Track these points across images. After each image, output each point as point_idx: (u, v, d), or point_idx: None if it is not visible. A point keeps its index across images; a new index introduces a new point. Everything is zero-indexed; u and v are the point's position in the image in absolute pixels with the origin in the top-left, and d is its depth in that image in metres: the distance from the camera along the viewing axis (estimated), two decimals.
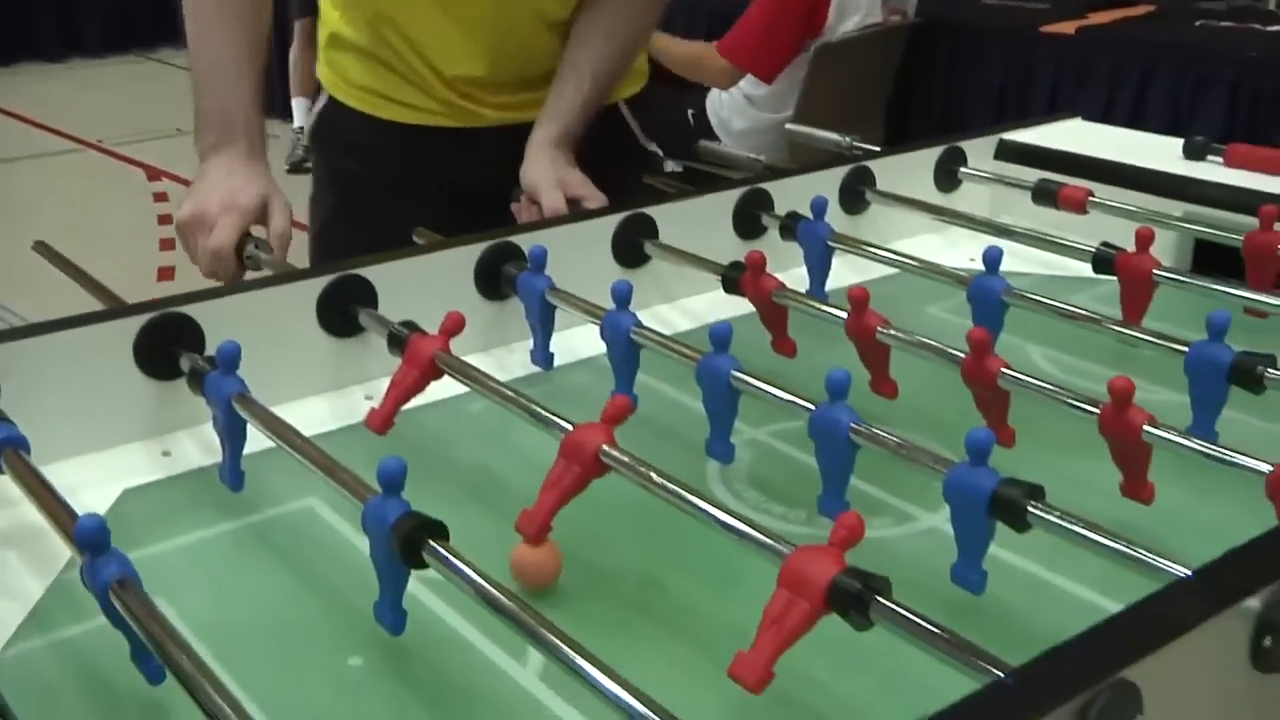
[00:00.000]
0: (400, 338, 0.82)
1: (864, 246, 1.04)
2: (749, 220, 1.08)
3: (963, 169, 1.23)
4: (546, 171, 1.10)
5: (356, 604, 0.64)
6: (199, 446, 0.83)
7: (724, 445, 0.79)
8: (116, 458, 0.81)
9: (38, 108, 5.49)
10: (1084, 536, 0.60)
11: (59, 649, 0.65)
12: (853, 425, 0.70)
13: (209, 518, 0.76)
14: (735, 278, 0.94)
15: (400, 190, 1.21)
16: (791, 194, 1.10)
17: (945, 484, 0.64)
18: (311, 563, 0.72)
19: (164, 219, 3.91)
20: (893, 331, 0.83)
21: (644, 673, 0.63)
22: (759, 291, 0.92)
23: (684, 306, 1.05)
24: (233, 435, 0.75)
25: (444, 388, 0.83)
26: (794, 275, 1.05)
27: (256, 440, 0.75)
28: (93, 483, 0.78)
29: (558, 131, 1.13)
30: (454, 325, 0.80)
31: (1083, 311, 0.88)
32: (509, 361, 0.97)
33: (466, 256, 0.95)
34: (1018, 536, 0.64)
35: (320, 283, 0.88)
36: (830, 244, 1.02)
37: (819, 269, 1.03)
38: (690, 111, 2.73)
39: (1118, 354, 0.92)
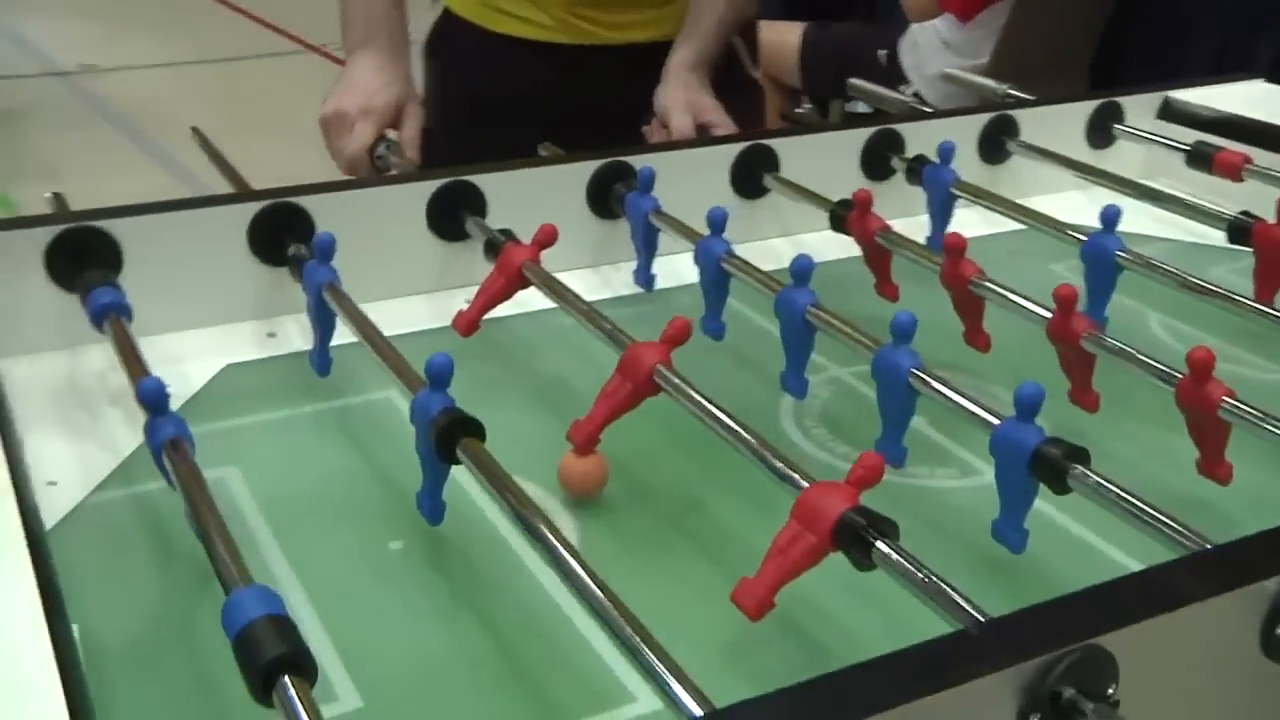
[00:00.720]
0: (495, 244, 0.84)
1: (986, 196, 1.02)
2: (877, 160, 1.07)
3: (1118, 126, 1.17)
4: (678, 95, 1.11)
5: (410, 492, 0.67)
6: (302, 331, 0.87)
7: (798, 380, 0.79)
8: (224, 334, 0.86)
9: (268, 7, 5.73)
10: (1121, 505, 0.58)
11: (135, 500, 0.69)
12: (914, 370, 0.69)
13: (296, 398, 0.80)
14: (842, 215, 0.93)
15: (508, 106, 1.23)
16: (926, 137, 1.07)
17: (991, 438, 0.63)
18: (378, 449, 0.76)
19: None
20: (986, 283, 0.81)
21: (663, 589, 0.65)
22: (863, 231, 0.90)
23: (799, 241, 1.04)
24: (322, 322, 0.79)
25: (542, 298, 0.85)
26: (920, 221, 1.04)
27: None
28: (198, 355, 0.83)
29: (693, 55, 1.13)
30: (546, 237, 0.82)
31: (1196, 279, 0.84)
32: (614, 279, 0.98)
33: (580, 173, 0.96)
34: (1073, 499, 0.62)
35: (432, 186, 0.91)
36: (953, 191, 1.00)
37: (940, 216, 1.01)
38: (882, 52, 2.67)
39: (1243, 329, 0.88)
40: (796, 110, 3.09)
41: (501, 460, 0.61)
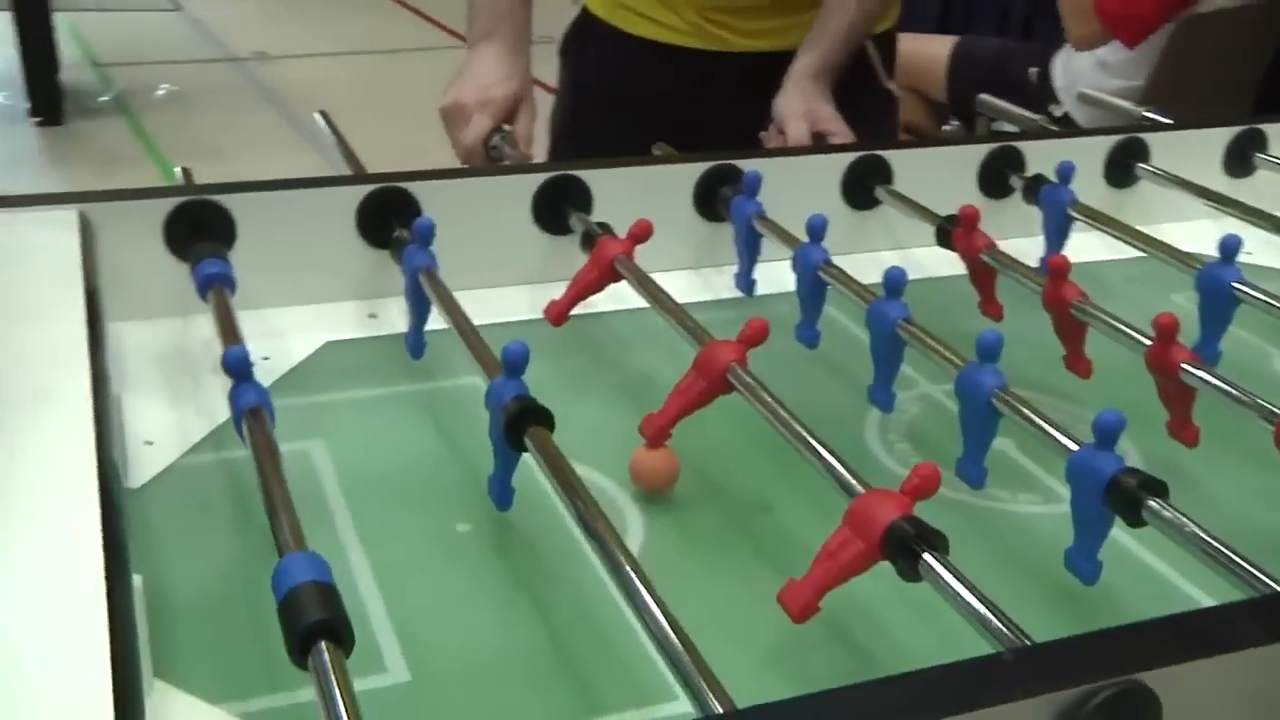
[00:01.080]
0: (591, 235, 0.85)
1: (1107, 221, 0.98)
2: (995, 177, 1.04)
3: (1259, 155, 1.13)
4: (796, 102, 1.10)
5: (484, 477, 0.68)
6: (402, 313, 0.88)
7: (885, 393, 0.77)
8: (327, 312, 0.88)
9: (433, 3, 5.86)
10: (1196, 542, 0.56)
11: (224, 464, 0.72)
12: (997, 390, 0.67)
13: (389, 378, 0.82)
14: (949, 231, 0.91)
15: (636, 108, 1.24)
16: (1050, 157, 1.04)
17: (1067, 464, 0.61)
18: (460, 432, 0.77)
19: None
20: (1088, 307, 0.79)
21: (724, 589, 0.64)
22: (968, 248, 0.89)
23: (908, 255, 1.02)
24: (417, 306, 0.80)
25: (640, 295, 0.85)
26: (1036, 242, 1.01)
27: None
28: (301, 330, 0.86)
29: (815, 62, 1.13)
30: (641, 231, 0.83)
31: None
32: (716, 282, 0.98)
33: (688, 174, 0.96)
34: (1156, 533, 0.60)
35: (539, 179, 0.92)
36: (1071, 213, 0.97)
37: (1055, 237, 0.98)
38: (1034, 70, 2.61)
39: None
40: (944, 127, 3.04)
41: (577, 451, 0.61)
